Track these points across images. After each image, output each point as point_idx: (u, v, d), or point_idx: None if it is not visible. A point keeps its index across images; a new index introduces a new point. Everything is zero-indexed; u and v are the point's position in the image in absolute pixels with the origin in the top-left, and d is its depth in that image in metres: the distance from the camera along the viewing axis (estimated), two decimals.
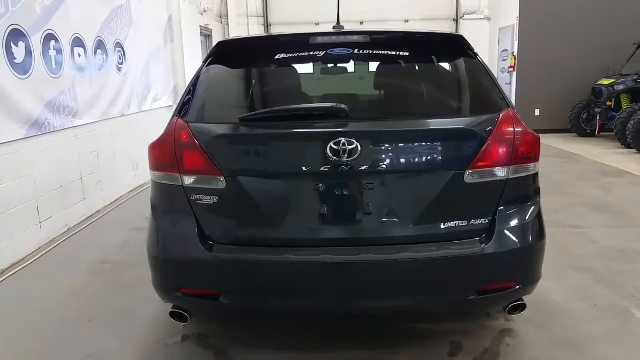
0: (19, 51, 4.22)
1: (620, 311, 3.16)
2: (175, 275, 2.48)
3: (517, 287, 2.40)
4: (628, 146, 8.81)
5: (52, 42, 4.74)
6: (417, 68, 2.91)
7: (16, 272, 4.04)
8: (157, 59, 7.67)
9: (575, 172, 7.27)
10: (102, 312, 3.32)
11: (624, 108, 9.35)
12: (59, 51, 4.85)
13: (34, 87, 4.44)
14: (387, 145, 2.35)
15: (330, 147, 2.25)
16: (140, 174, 6.75)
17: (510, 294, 2.41)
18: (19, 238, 4.26)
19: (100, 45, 5.76)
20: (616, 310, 3.17)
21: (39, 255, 4.38)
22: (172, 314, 2.55)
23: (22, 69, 4.28)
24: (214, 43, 3.56)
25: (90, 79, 5.50)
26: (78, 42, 5.25)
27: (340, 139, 2.24)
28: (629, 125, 8.71)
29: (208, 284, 2.42)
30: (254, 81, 2.98)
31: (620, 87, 9.63)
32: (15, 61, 4.18)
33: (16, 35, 4.19)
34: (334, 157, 2.25)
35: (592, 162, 8.02)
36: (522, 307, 2.50)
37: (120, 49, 6.32)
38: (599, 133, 10.06)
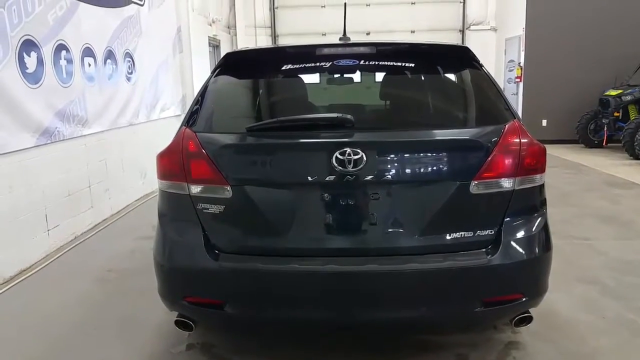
0: (30, 61, 4.28)
1: (628, 324, 3.13)
2: (180, 283, 2.49)
3: (524, 299, 2.39)
4: (636, 157, 8.77)
5: (63, 52, 4.81)
6: (422, 79, 2.92)
7: (24, 279, 4.06)
8: (166, 69, 7.75)
9: (582, 183, 7.24)
10: (108, 319, 3.34)
11: (631, 119, 9.32)
12: (69, 61, 4.91)
13: (44, 96, 4.50)
14: (392, 156, 2.36)
15: (336, 157, 2.26)
16: (148, 182, 6.79)
17: (516, 306, 2.40)
18: (27, 245, 4.30)
19: (110, 55, 5.82)
20: (624, 323, 3.14)
21: (47, 262, 4.41)
22: (177, 323, 2.56)
23: (34, 78, 4.34)
24: (222, 53, 3.59)
25: (99, 89, 5.56)
26: (88, 52, 5.32)
27: (345, 149, 2.26)
28: (637, 136, 8.68)
29: (213, 292, 2.43)
30: (261, 91, 3.01)
31: (628, 97, 9.61)
32: (27, 71, 4.24)
33: (29, 45, 4.25)
34: (340, 167, 2.26)
35: (600, 173, 7.97)
36: (529, 319, 2.49)
37: (129, 59, 6.39)
38: (606, 144, 10.01)
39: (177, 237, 2.50)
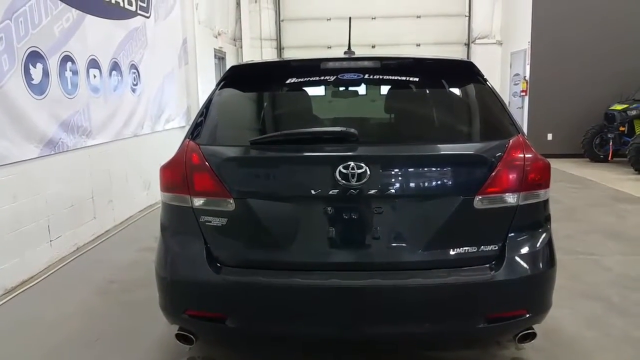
0: (36, 72, 4.32)
1: (634, 342, 3.09)
2: (182, 296, 2.48)
3: (527, 315, 2.36)
4: None
5: (69, 64, 4.84)
6: (427, 93, 2.92)
7: (26, 289, 4.06)
8: (171, 81, 7.79)
9: (588, 198, 7.19)
10: (109, 331, 3.32)
11: (637, 133, 9.29)
12: (74, 72, 4.94)
13: (49, 107, 4.52)
14: (396, 170, 2.35)
15: (340, 170, 2.25)
16: (151, 193, 6.79)
17: (520, 322, 2.37)
18: (30, 256, 4.29)
19: (115, 66, 5.86)
20: (630, 341, 3.10)
21: (49, 273, 4.40)
22: (177, 336, 2.54)
23: (39, 89, 4.37)
24: (228, 65, 3.60)
25: (104, 100, 5.59)
26: (94, 64, 5.36)
27: (349, 163, 2.25)
28: None
29: (215, 306, 2.41)
30: (265, 105, 3.01)
31: (634, 112, 9.59)
32: (33, 82, 4.27)
33: (35, 57, 4.29)
34: (343, 181, 2.25)
35: (606, 187, 7.93)
36: (532, 335, 2.46)
37: (134, 71, 6.43)
38: (612, 158, 9.98)
39: (179, 250, 2.49)
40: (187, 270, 2.44)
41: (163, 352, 3.04)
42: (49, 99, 4.51)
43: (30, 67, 4.23)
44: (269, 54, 12.87)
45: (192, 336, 2.51)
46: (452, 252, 2.34)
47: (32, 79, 4.27)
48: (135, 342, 3.18)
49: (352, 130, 2.36)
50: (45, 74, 4.45)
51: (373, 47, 12.17)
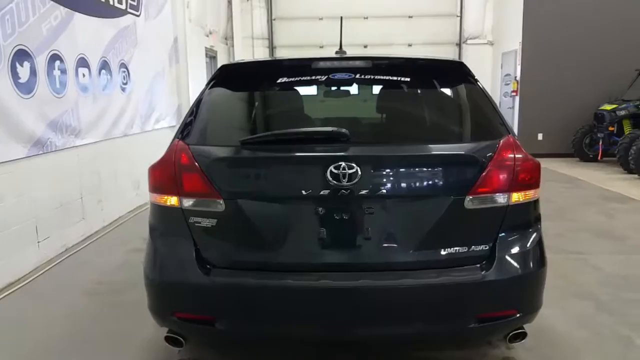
0: (23, 71, 4.26)
1: (623, 340, 3.11)
2: (171, 298, 2.45)
3: (518, 315, 2.36)
4: (630, 171, 8.79)
5: (57, 62, 4.79)
6: (418, 93, 2.91)
7: (13, 291, 4.00)
8: (161, 80, 7.74)
9: (578, 197, 7.24)
10: (97, 333, 3.28)
11: (626, 133, 9.36)
12: (63, 71, 4.89)
13: (37, 107, 4.47)
14: (387, 170, 2.34)
15: (331, 171, 2.24)
16: (141, 193, 6.74)
17: (510, 322, 2.38)
18: (17, 257, 4.24)
19: (104, 65, 5.81)
20: (619, 339, 3.12)
21: (37, 275, 4.35)
22: (167, 339, 2.52)
23: (26, 88, 4.31)
24: (219, 64, 3.57)
25: (93, 99, 5.54)
26: (83, 62, 5.31)
27: (340, 163, 2.24)
28: (631, 150, 8.70)
29: (204, 308, 2.39)
30: (256, 104, 3.00)
31: (623, 112, 9.66)
32: (20, 81, 4.22)
33: (21, 55, 4.23)
34: (334, 181, 2.24)
35: (595, 187, 7.98)
36: (523, 335, 2.47)
37: (124, 70, 6.38)
38: (601, 158, 10.05)
39: (168, 251, 2.46)
40: (176, 272, 2.41)
41: (152, 355, 3.01)
42: (37, 98, 4.45)
43: (17, 65, 4.18)
44: (260, 53, 12.83)
45: (181, 338, 2.49)
46: (442, 252, 2.34)
47: (19, 78, 4.21)
48: (124, 344, 3.14)
49: (344, 130, 2.35)
50: (33, 72, 4.39)
51: (365, 47, 12.18)
